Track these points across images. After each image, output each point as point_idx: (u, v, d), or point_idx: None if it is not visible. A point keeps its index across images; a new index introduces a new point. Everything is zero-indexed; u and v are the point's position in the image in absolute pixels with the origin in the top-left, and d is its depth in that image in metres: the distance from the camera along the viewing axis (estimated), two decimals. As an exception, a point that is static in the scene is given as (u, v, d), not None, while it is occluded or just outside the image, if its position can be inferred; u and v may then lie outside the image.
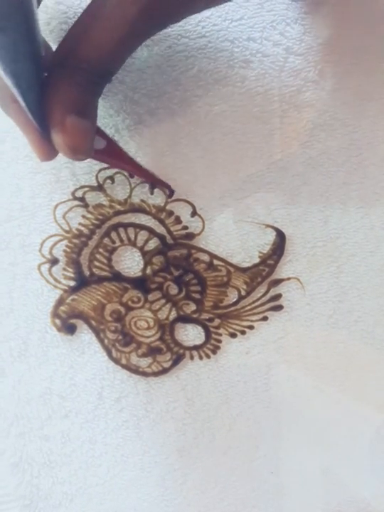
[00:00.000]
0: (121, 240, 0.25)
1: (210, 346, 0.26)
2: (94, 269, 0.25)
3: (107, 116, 0.25)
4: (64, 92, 0.18)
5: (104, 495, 0.27)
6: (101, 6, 0.18)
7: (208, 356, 0.26)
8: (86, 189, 0.25)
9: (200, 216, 0.25)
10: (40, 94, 0.18)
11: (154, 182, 0.25)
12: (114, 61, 0.19)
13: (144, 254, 0.25)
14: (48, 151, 0.20)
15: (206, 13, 0.25)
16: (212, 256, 0.26)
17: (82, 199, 0.25)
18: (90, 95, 0.19)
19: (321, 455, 0.27)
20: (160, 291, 0.26)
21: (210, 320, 0.26)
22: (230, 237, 0.26)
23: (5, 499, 0.27)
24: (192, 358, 0.26)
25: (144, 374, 0.26)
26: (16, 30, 0.15)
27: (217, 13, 0.25)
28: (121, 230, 0.25)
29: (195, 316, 0.26)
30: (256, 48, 0.25)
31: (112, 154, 0.24)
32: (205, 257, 0.26)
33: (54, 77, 0.18)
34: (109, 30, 0.18)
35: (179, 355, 0.26)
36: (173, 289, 0.26)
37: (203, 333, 0.26)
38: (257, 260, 0.26)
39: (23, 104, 0.18)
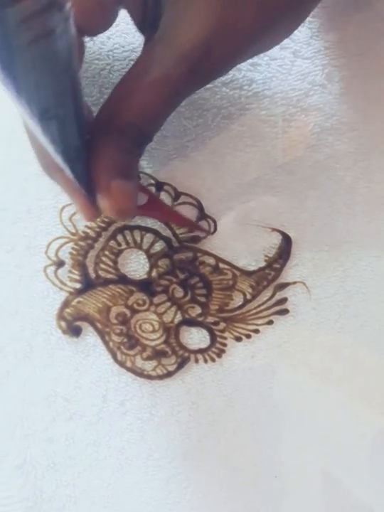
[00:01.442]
0: (127, 243, 0.25)
1: (215, 350, 0.26)
2: (100, 272, 0.25)
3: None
4: (109, 158, 0.18)
5: (108, 498, 0.27)
6: (145, 67, 0.18)
7: (213, 360, 0.26)
8: (92, 191, 0.25)
9: (207, 219, 0.25)
10: (85, 161, 0.18)
11: (193, 227, 0.25)
12: (157, 123, 0.19)
13: (150, 257, 0.25)
14: (94, 213, 0.20)
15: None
16: (218, 259, 0.26)
17: (88, 201, 0.25)
18: (134, 158, 0.19)
19: (324, 459, 0.27)
20: (165, 294, 0.26)
21: (216, 323, 0.26)
22: (236, 240, 0.26)
23: (8, 501, 0.27)
24: (197, 361, 0.26)
25: (149, 377, 0.26)
26: (66, 112, 0.15)
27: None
28: (127, 233, 0.25)
29: (200, 319, 0.26)
30: (263, 51, 0.25)
31: (154, 207, 0.24)
32: (211, 260, 0.26)
33: (98, 141, 0.18)
34: (154, 93, 0.18)
35: (184, 358, 0.26)
36: (179, 292, 0.26)
37: (208, 337, 0.26)
38: (263, 264, 0.26)
39: (70, 174, 0.18)
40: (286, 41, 0.25)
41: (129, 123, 0.18)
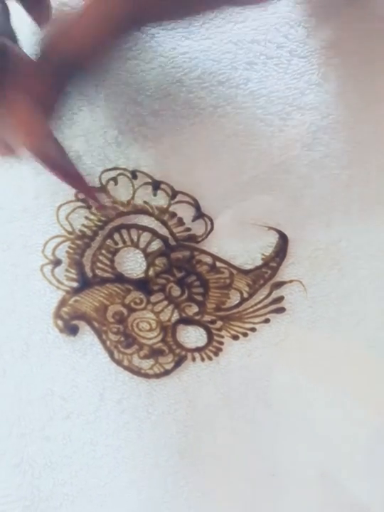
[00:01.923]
0: (124, 242, 0.25)
1: (212, 348, 0.26)
2: (96, 271, 0.25)
3: (111, 118, 0.25)
4: (26, 82, 0.18)
5: (105, 496, 0.27)
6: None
7: (210, 358, 0.26)
8: (89, 190, 0.25)
9: (204, 218, 0.25)
10: None
11: (88, 195, 0.25)
12: (83, 53, 0.19)
13: (147, 255, 0.25)
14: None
15: (210, 15, 0.25)
16: (215, 258, 0.26)
17: (85, 200, 0.25)
18: (53, 86, 0.19)
19: (321, 458, 0.27)
20: (162, 293, 0.26)
21: (213, 322, 0.26)
22: (232, 239, 0.26)
23: (6, 500, 0.26)
24: (194, 359, 0.26)
25: (146, 376, 0.26)
26: None
27: (221, 15, 0.25)
28: (123, 232, 0.25)
29: (197, 317, 0.26)
30: (260, 50, 0.25)
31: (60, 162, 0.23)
32: (208, 259, 0.26)
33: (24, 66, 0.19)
34: (77, 22, 0.18)
35: (181, 357, 0.26)
36: (176, 291, 0.26)
37: (205, 335, 0.26)
38: (259, 262, 0.26)
39: None
40: (282, 40, 0.25)
41: (53, 49, 0.19)
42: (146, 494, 0.27)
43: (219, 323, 0.26)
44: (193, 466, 0.27)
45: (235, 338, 0.26)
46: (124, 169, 0.25)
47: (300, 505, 0.27)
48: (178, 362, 0.26)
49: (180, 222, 0.25)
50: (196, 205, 0.25)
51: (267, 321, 0.26)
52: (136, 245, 0.25)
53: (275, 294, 0.26)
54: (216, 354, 0.26)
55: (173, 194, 0.25)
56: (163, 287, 0.26)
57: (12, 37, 0.21)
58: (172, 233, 0.25)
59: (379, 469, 0.27)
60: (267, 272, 0.26)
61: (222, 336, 0.26)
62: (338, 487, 0.27)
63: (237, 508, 0.27)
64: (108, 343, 0.25)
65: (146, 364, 0.26)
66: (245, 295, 0.26)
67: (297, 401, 0.27)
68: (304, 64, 0.26)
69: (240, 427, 0.27)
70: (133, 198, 0.25)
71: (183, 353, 0.26)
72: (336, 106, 0.26)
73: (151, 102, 0.25)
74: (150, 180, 0.25)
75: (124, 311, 0.25)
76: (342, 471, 0.27)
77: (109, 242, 0.25)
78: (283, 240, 0.26)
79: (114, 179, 0.25)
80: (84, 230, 0.25)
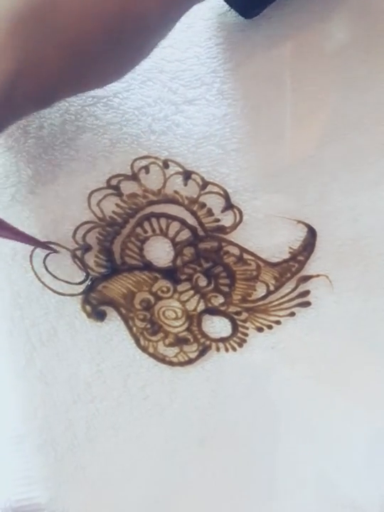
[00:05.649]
0: (153, 230, 0.25)
1: (236, 339, 0.26)
2: (125, 258, 0.25)
3: (146, 106, 0.25)
4: None
5: (125, 481, 0.27)
6: None
7: (234, 349, 0.26)
8: (121, 178, 0.25)
9: (234, 209, 0.25)
10: None
11: (39, 246, 0.25)
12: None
13: (175, 245, 0.26)
14: None
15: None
16: (243, 250, 0.26)
17: (116, 187, 0.25)
18: None
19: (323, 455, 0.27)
20: (189, 283, 0.26)
21: (238, 313, 0.26)
22: (260, 231, 0.26)
23: (27, 481, 0.27)
24: (218, 349, 0.26)
25: (171, 363, 0.26)
26: None
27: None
28: (153, 220, 0.25)
29: (223, 308, 0.26)
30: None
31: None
32: (236, 251, 0.26)
33: None
34: None
35: (205, 346, 0.26)
36: (203, 281, 0.26)
37: (229, 326, 0.26)
38: (287, 256, 0.26)
39: None
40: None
41: None
42: (165, 480, 0.27)
43: (244, 315, 0.26)
44: (211, 454, 0.27)
45: (260, 330, 0.26)
46: (156, 158, 0.25)
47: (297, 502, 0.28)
48: (203, 351, 0.26)
49: (210, 212, 0.25)
50: (226, 196, 0.25)
51: (292, 314, 0.26)
52: (165, 234, 0.26)
53: (301, 288, 0.26)
54: (240, 345, 0.26)
55: (204, 184, 0.25)
56: (190, 277, 0.26)
57: None
58: (201, 223, 0.26)
59: (377, 471, 0.27)
60: (294, 266, 0.26)
61: (247, 328, 0.26)
62: (334, 488, 0.27)
63: (256, 496, 0.27)
64: (134, 329, 0.26)
65: (170, 352, 0.26)
66: (271, 288, 0.26)
67: (320, 395, 0.27)
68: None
69: (260, 418, 0.27)
70: (164, 186, 0.25)
71: (208, 342, 0.26)
72: (365, 102, 0.26)
73: (186, 90, 0.25)
74: (181, 170, 0.25)
75: (151, 298, 0.26)
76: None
77: (138, 230, 0.25)
78: (311, 233, 0.26)
79: (146, 168, 0.25)
80: (115, 217, 0.25)
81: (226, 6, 0.25)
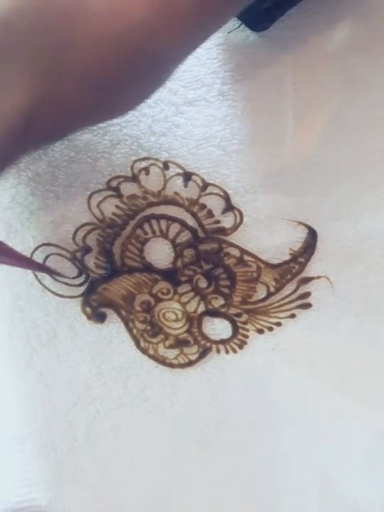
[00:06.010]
0: (154, 232, 0.25)
1: (236, 341, 0.26)
2: (125, 260, 0.25)
3: (146, 107, 0.25)
4: None
5: (126, 483, 0.27)
6: None
7: (235, 351, 0.26)
8: (121, 179, 0.25)
9: (234, 211, 0.25)
10: None
11: (44, 272, 0.25)
12: None
13: (175, 246, 0.25)
14: None
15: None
16: (243, 251, 0.26)
17: (116, 189, 0.25)
18: None
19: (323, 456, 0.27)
20: (189, 284, 0.26)
21: (238, 315, 0.26)
22: (261, 232, 0.26)
23: (28, 483, 0.27)
24: (218, 351, 0.26)
25: (171, 365, 0.26)
26: None
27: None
28: (153, 222, 0.25)
29: (223, 310, 0.26)
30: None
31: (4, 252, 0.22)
32: (236, 252, 0.26)
33: None
34: None
35: (206, 348, 0.26)
36: (203, 283, 0.26)
37: (230, 328, 0.26)
38: (287, 257, 0.26)
39: None
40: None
41: None
42: (165, 482, 0.27)
43: (245, 317, 0.26)
44: (212, 456, 0.27)
45: (260, 332, 0.26)
46: (156, 159, 0.25)
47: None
48: (203, 353, 0.26)
49: (210, 214, 0.25)
50: (226, 198, 0.25)
51: (292, 316, 0.26)
52: (165, 236, 0.25)
53: (302, 290, 0.26)
54: (240, 347, 0.26)
55: (204, 186, 0.25)
56: (191, 278, 0.26)
57: None
58: (201, 225, 0.25)
59: (379, 472, 0.27)
60: (295, 267, 0.26)
61: (248, 330, 0.26)
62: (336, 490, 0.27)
63: (257, 499, 0.27)
64: (134, 331, 0.26)
65: (171, 354, 0.26)
66: (272, 289, 0.26)
67: (321, 396, 0.27)
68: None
69: (261, 420, 0.27)
70: (164, 188, 0.25)
71: (208, 344, 0.26)
72: (366, 103, 0.26)
73: (186, 91, 0.25)
74: (181, 171, 0.25)
75: (151, 300, 0.26)
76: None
77: (138, 231, 0.25)
78: (312, 235, 0.26)
79: (146, 169, 0.25)
80: (115, 218, 0.25)
81: (235, 22, 0.24)
